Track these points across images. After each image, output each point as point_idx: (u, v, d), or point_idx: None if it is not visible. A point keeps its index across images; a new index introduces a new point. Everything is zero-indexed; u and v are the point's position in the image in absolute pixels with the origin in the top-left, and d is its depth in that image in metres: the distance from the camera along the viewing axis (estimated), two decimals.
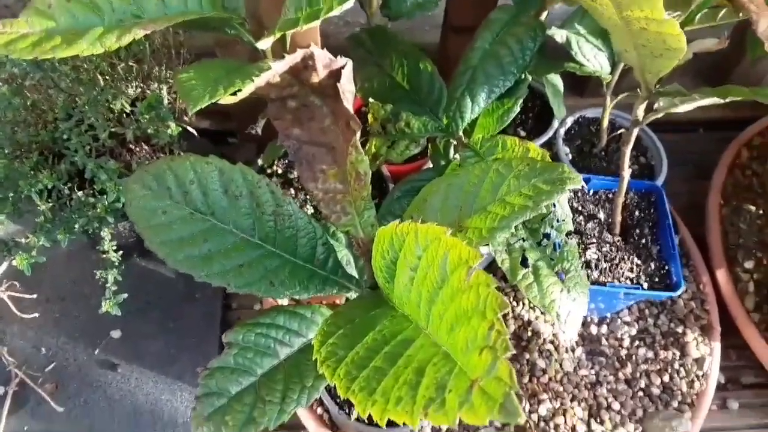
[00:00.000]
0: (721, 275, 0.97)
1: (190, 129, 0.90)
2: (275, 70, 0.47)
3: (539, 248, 0.61)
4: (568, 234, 0.63)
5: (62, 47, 0.54)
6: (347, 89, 0.47)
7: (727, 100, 0.60)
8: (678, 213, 1.01)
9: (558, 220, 0.62)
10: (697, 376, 0.87)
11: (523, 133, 1.04)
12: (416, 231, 0.36)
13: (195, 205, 0.54)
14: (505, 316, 0.91)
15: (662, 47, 0.55)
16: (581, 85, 1.19)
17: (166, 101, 0.83)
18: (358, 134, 0.49)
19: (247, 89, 0.49)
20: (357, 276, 0.57)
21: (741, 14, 0.69)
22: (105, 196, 0.74)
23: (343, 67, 0.47)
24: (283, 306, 0.54)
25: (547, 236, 0.62)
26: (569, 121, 1.03)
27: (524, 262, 0.60)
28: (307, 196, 0.87)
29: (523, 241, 0.62)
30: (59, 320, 0.89)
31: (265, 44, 0.60)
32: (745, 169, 1.12)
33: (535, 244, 0.62)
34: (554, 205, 0.63)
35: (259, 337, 0.51)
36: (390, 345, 0.36)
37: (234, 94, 0.52)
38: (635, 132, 0.72)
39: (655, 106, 0.66)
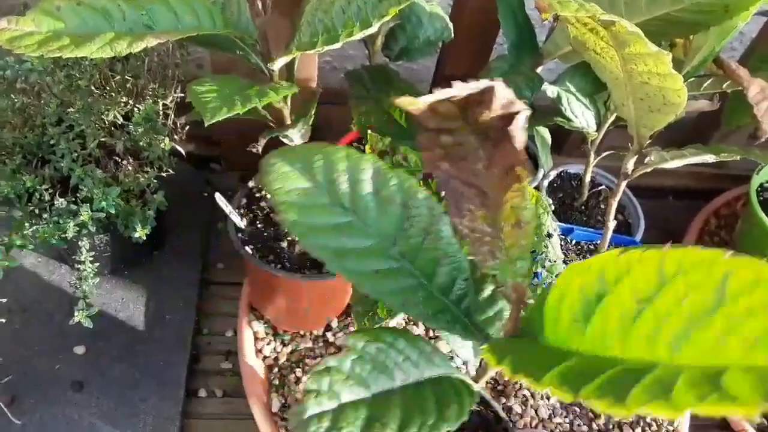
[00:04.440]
0: None
1: (178, 148, 0.89)
2: (456, 91, 0.38)
3: (529, 287, 0.62)
4: (557, 276, 0.64)
5: (70, 48, 0.53)
6: (519, 137, 0.40)
7: (719, 159, 0.63)
8: None
9: (549, 261, 0.63)
10: (668, 431, 0.88)
11: None
12: (662, 257, 0.33)
13: (338, 198, 0.47)
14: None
15: (661, 102, 0.58)
16: (560, 144, 1.23)
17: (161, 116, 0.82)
18: (527, 181, 0.42)
19: (424, 101, 0.39)
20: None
21: (727, 84, 0.73)
22: (89, 205, 0.72)
23: (518, 113, 0.39)
24: (403, 330, 0.48)
25: (537, 276, 0.63)
26: (552, 174, 1.06)
27: None
28: None
29: None
30: (19, 332, 0.85)
31: (278, 64, 0.60)
32: (713, 236, 1.17)
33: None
34: (547, 247, 0.64)
35: (380, 352, 0.45)
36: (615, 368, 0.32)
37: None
38: (624, 184, 0.74)
39: (647, 160, 0.69)
